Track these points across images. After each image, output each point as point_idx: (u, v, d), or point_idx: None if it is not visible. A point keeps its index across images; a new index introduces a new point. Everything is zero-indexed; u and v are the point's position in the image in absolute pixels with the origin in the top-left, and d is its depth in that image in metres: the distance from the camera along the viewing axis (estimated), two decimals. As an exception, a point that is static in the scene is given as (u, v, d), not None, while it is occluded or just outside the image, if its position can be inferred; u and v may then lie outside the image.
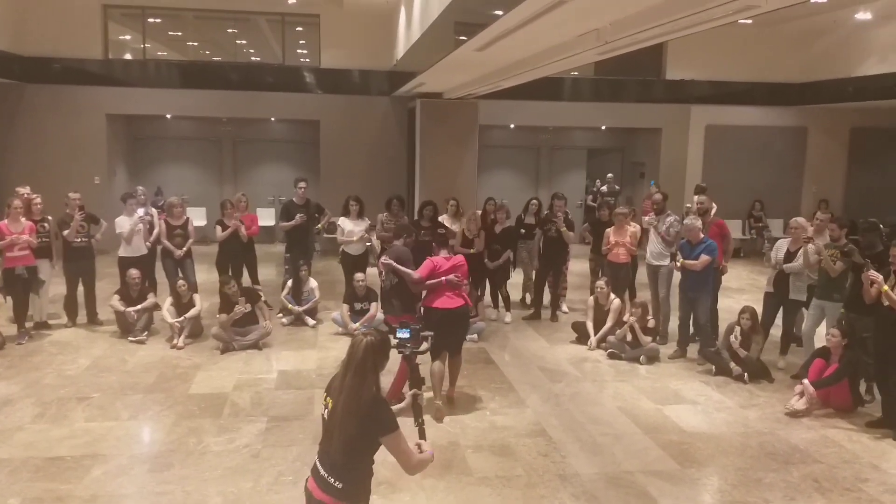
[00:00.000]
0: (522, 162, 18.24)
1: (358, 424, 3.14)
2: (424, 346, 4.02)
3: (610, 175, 13.67)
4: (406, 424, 3.32)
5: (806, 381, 6.84)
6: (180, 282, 8.86)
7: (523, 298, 11.00)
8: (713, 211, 9.31)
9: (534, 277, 10.49)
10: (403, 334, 3.84)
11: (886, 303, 6.14)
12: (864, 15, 13.42)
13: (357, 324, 9.10)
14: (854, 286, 6.93)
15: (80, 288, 9.36)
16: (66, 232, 9.04)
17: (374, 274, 9.94)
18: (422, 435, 3.49)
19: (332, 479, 3.20)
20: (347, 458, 3.19)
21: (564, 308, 10.65)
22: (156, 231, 9.71)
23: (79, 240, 9.16)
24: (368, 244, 10.03)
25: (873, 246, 7.14)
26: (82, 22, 14.46)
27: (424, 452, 3.32)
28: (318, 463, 3.29)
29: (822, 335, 7.38)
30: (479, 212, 10.33)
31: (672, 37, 7.01)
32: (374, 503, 4.92)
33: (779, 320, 8.22)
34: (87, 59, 14.53)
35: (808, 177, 16.82)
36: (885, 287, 6.15)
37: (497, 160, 17.59)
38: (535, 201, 10.46)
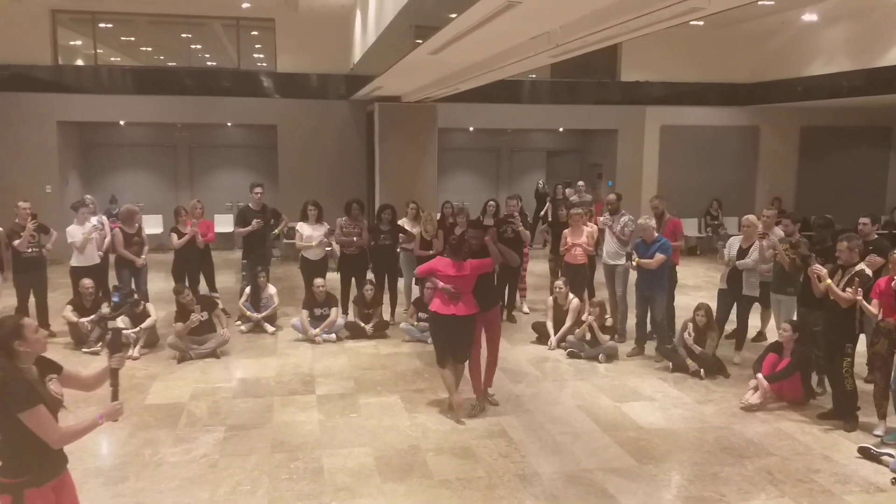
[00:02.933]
0: (482, 164, 18.32)
1: None
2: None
3: (581, 183, 12.85)
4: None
5: (760, 375, 6.98)
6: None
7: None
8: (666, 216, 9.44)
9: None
10: (115, 299, 4.06)
11: (832, 297, 6.30)
12: (810, 16, 13.79)
13: (317, 329, 9.05)
14: (805, 281, 7.09)
15: (32, 299, 9.14)
16: (16, 242, 8.82)
17: (334, 279, 9.90)
18: (114, 397, 3.75)
19: None
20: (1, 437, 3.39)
21: (525, 308, 10.71)
22: (108, 239, 9.52)
23: (30, 250, 8.94)
24: (328, 249, 9.97)
25: (823, 241, 7.33)
26: (30, 27, 14.13)
27: (80, 422, 3.62)
28: None
29: (774, 330, 7.55)
30: (438, 214, 10.34)
31: (622, 39, 7.11)
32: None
33: (733, 316, 8.37)
34: (35, 66, 14.21)
35: (761, 175, 17.18)
36: (828, 281, 6.31)
37: (457, 163, 17.65)
38: (492, 203, 10.48)
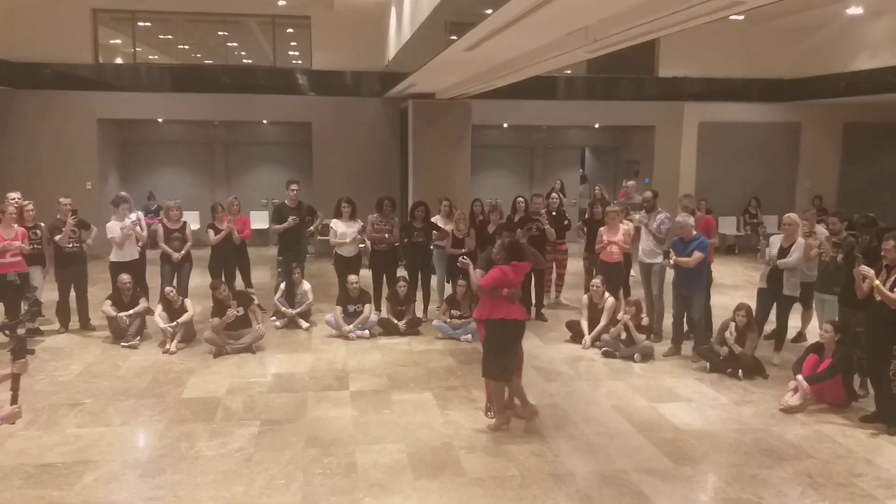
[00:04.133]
0: (516, 161, 18.22)
1: None
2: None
3: (631, 182, 12.52)
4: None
5: (800, 376, 6.83)
6: (168, 288, 8.84)
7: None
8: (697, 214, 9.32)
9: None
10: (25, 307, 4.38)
11: (878, 297, 6.13)
12: (855, 10, 13.42)
13: (351, 326, 9.08)
14: (848, 281, 6.93)
15: (73, 293, 9.32)
16: (58, 237, 9.00)
17: (368, 276, 9.93)
18: (13, 401, 4.00)
19: None
20: None
21: (563, 300, 10.79)
22: (145, 235, 9.67)
23: (70, 245, 9.12)
24: (362, 246, 10.00)
25: (868, 241, 7.16)
26: (72, 27, 14.40)
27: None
28: None
29: (815, 331, 7.39)
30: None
31: (661, 34, 6.99)
32: (365, 506, 4.96)
33: (772, 316, 8.21)
34: (77, 64, 14.48)
35: (801, 173, 16.83)
36: (877, 282, 6.14)
37: (491, 160, 17.57)
38: (521, 199, 10.44)
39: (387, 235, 9.67)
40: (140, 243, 9.56)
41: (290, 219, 9.91)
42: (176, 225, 9.66)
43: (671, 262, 8.23)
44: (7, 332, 4.19)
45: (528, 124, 17.23)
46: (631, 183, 12.80)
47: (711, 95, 16.15)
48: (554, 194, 10.73)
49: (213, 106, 15.16)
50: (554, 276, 10.80)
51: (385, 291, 9.79)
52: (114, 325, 8.85)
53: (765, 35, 15.57)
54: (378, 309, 9.66)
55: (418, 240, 9.84)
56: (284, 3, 14.53)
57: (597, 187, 13.11)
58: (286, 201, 10.19)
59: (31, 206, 9.05)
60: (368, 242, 9.98)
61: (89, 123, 14.53)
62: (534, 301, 10.04)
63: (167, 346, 8.48)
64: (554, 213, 10.22)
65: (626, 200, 11.78)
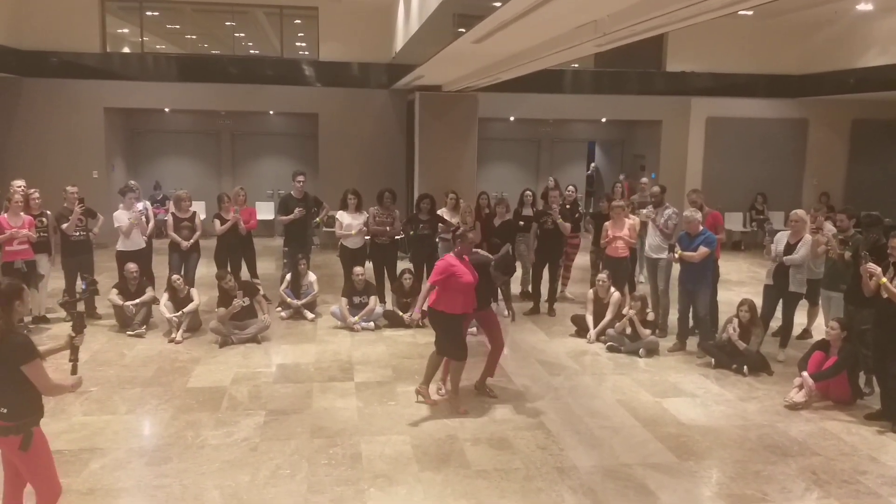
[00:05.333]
0: (523, 155, 18.20)
1: None
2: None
3: (645, 180, 12.51)
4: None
5: (805, 373, 6.83)
6: (175, 276, 8.86)
7: (523, 292, 10.98)
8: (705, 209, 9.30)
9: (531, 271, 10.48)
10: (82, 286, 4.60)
11: (885, 295, 6.12)
12: (865, 6, 13.35)
13: (356, 317, 9.10)
14: (854, 278, 6.92)
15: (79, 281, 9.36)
16: (64, 225, 9.03)
17: (369, 268, 9.93)
18: (73, 371, 4.21)
19: (0, 407, 3.88)
20: (2, 387, 3.85)
21: (568, 293, 10.80)
22: (151, 224, 9.68)
23: (77, 234, 9.15)
24: (367, 238, 10.01)
25: (877, 239, 7.14)
26: (80, 15, 14.39)
27: (67, 380, 4.13)
28: None
29: (821, 327, 7.38)
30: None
31: (670, 28, 6.96)
32: (371, 496, 4.99)
33: (778, 313, 8.20)
34: (84, 53, 14.48)
35: (808, 169, 16.78)
36: (884, 279, 6.13)
37: (497, 153, 17.56)
38: (528, 192, 10.44)
39: (388, 228, 9.67)
40: (148, 233, 9.58)
41: (296, 210, 9.91)
42: (186, 214, 9.68)
43: (676, 256, 8.23)
44: (68, 308, 4.39)
45: (534, 118, 17.21)
46: (644, 181, 12.78)
47: (719, 91, 16.10)
48: (570, 186, 10.69)
49: (219, 96, 15.16)
50: (561, 268, 10.79)
51: (386, 284, 9.80)
52: (120, 314, 8.88)
53: (773, 30, 15.51)
54: (383, 301, 9.67)
55: (424, 232, 9.84)
56: (292, -7, 14.51)
57: (620, 180, 12.96)
58: (292, 192, 10.20)
59: (37, 195, 9.06)
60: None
61: (96, 112, 14.55)
62: (545, 296, 10.13)
63: (173, 336, 8.51)
64: (568, 206, 10.21)
65: (640, 197, 11.76)
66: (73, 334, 4.20)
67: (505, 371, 7.69)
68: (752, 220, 16.15)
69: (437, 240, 10.05)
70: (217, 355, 8.09)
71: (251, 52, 17.07)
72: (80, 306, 4.27)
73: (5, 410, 3.87)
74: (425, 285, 6.69)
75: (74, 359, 4.22)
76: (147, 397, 6.81)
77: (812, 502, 5.10)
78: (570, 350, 8.52)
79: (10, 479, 4.14)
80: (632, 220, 9.43)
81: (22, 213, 8.64)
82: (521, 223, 10.30)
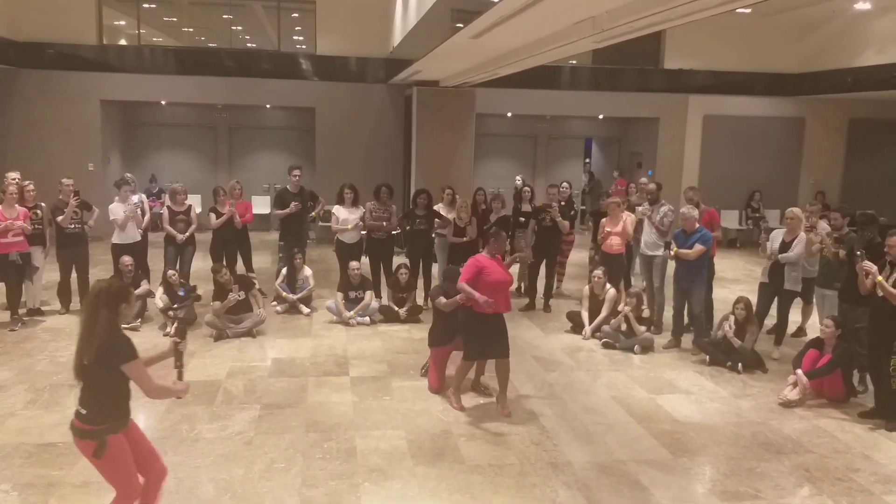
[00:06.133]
0: (519, 151, 18.20)
1: (94, 353, 3.70)
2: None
3: (643, 180, 12.45)
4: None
5: (799, 371, 6.85)
6: (170, 271, 8.84)
7: (519, 287, 10.98)
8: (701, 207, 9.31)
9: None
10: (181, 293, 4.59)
11: (881, 293, 6.14)
12: (863, 5, 13.38)
13: (351, 312, 9.09)
14: (848, 277, 6.93)
15: (74, 274, 9.33)
16: (59, 218, 8.99)
17: (365, 263, 9.92)
18: (179, 377, 4.09)
19: (80, 407, 3.83)
20: (86, 387, 3.81)
21: (563, 290, 10.84)
22: (146, 217, 9.66)
23: (72, 226, 9.11)
24: (363, 233, 10.00)
25: (872, 238, 7.16)
26: (77, 7, 14.35)
27: (175, 385, 4.02)
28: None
29: (816, 325, 7.40)
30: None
31: (669, 25, 6.97)
32: (366, 491, 4.99)
33: (773, 310, 8.22)
34: (81, 45, 14.43)
35: (805, 168, 16.81)
36: (880, 278, 6.14)
37: (494, 149, 17.56)
38: (527, 189, 10.47)
39: (384, 223, 9.66)
40: (144, 226, 9.55)
41: (292, 204, 9.89)
42: (181, 207, 9.66)
43: (671, 253, 8.24)
44: (171, 314, 4.35)
45: (532, 114, 17.21)
46: (643, 180, 12.73)
47: (716, 88, 16.12)
48: (565, 184, 10.68)
49: (216, 89, 15.12)
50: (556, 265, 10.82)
51: (382, 279, 9.79)
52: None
53: (771, 29, 15.52)
54: (379, 296, 9.67)
55: (420, 227, 9.84)
56: (290, -13, 14.47)
57: (614, 176, 12.93)
58: (288, 186, 10.18)
59: (31, 187, 9.02)
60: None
61: (92, 104, 14.51)
62: (541, 292, 10.13)
63: (168, 329, 8.48)
64: (563, 203, 10.21)
65: (637, 198, 11.76)
66: (178, 340, 4.15)
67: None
68: (748, 218, 16.19)
69: (433, 235, 10.05)
70: (212, 349, 8.07)
71: (248, 45, 17.03)
72: (181, 313, 4.15)
73: (85, 412, 3.81)
74: (463, 286, 6.27)
75: (180, 365, 4.17)
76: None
77: (805, 499, 5.12)
78: (566, 346, 8.53)
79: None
80: (629, 217, 9.43)
81: (17, 205, 8.61)
82: (522, 219, 10.30)
